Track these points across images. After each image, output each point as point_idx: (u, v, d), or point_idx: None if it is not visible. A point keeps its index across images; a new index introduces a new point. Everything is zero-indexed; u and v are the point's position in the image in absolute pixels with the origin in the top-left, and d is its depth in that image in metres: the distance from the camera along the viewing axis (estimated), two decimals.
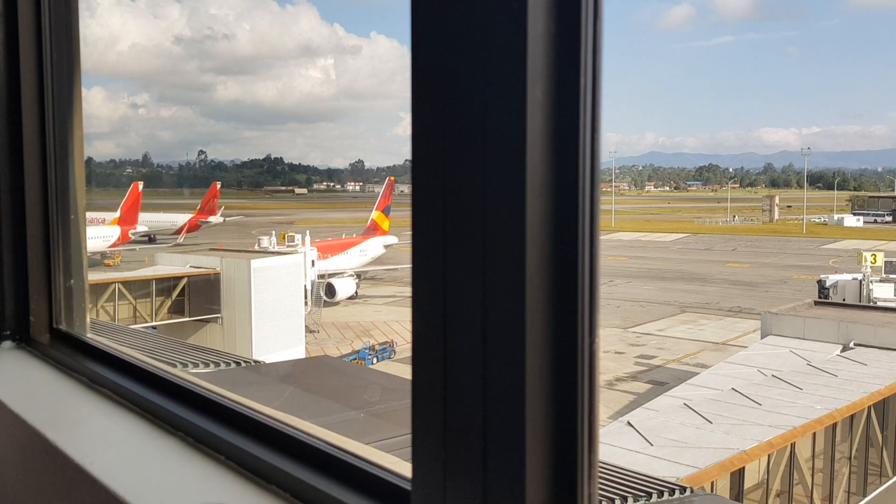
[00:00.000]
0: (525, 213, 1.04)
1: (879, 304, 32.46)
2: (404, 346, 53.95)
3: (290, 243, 50.08)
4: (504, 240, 1.05)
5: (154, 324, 40.65)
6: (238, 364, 11.89)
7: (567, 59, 1.04)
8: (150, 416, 2.31)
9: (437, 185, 1.14)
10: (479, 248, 1.08)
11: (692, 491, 7.45)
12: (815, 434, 16.52)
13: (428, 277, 1.17)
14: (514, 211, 1.04)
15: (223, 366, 11.99)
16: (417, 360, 1.21)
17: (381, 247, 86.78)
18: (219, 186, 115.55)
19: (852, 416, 18.13)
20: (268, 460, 1.80)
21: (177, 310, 41.45)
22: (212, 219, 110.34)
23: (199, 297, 41.34)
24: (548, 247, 1.05)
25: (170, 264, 44.07)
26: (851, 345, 23.68)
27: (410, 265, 1.19)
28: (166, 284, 41.27)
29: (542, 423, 1.07)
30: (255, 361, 11.40)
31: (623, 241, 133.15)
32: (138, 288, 40.78)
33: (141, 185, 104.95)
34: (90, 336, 2.90)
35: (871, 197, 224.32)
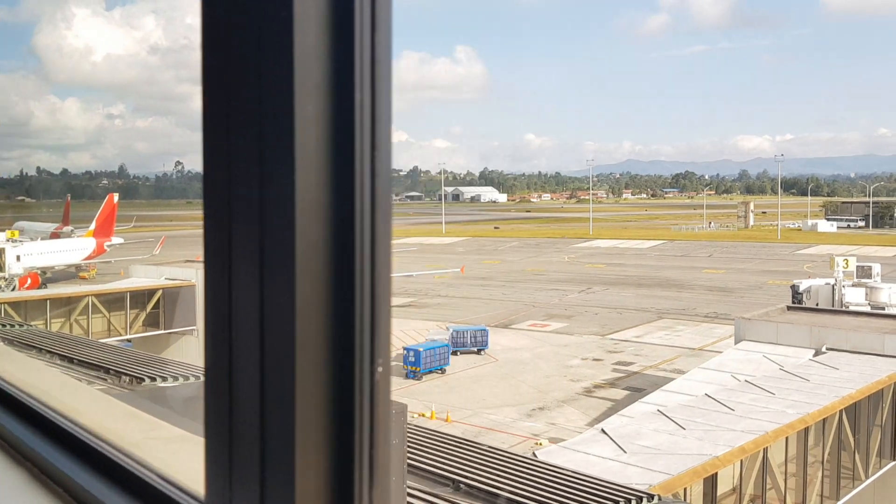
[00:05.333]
0: (295, 231, 1.00)
1: (851, 308, 32.90)
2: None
3: None
4: (279, 255, 1.03)
5: (129, 337, 40.20)
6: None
7: (342, 73, 1.01)
8: None
9: (223, 196, 1.11)
10: (258, 260, 1.06)
11: (659, 498, 7.48)
12: (787, 439, 16.65)
13: (214, 285, 1.14)
14: (286, 228, 1.02)
15: (192, 379, 11.86)
16: (207, 372, 1.18)
17: None
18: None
19: (824, 420, 18.29)
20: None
21: (152, 322, 41.06)
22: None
23: (174, 309, 40.97)
24: (322, 265, 1.02)
25: (145, 276, 43.64)
26: (824, 349, 23.93)
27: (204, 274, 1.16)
28: (141, 297, 40.86)
29: (316, 451, 1.04)
30: None
31: (601, 249, 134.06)
32: (112, 301, 40.33)
33: (116, 197, 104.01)
34: None
35: (844, 202, 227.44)
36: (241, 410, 1.09)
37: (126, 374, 12.21)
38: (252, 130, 1.04)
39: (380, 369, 1.06)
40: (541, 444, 33.43)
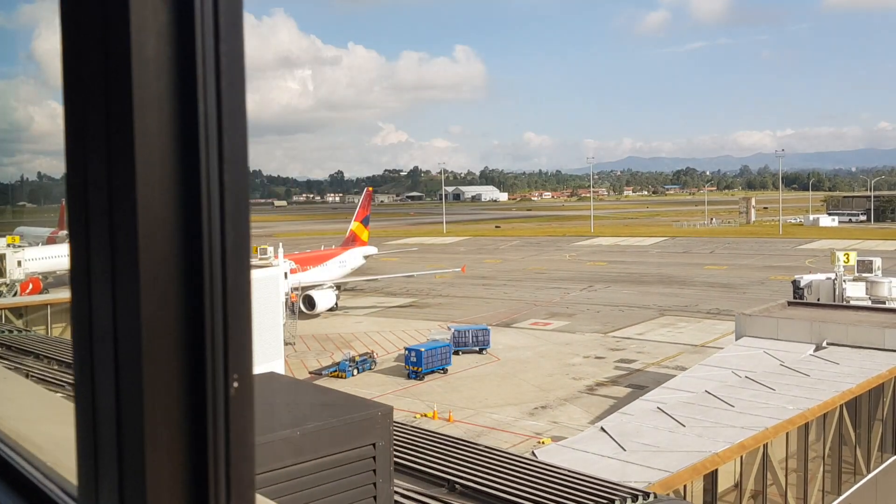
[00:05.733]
0: (138, 248, 0.99)
1: (852, 302, 32.83)
2: (385, 356, 53.85)
3: (262, 256, 49.70)
4: (127, 273, 1.01)
5: None
6: None
7: (185, 85, 0.99)
8: None
9: (81, 211, 1.08)
10: (110, 276, 1.04)
11: (655, 496, 7.47)
12: (787, 434, 16.63)
13: (77, 302, 1.13)
14: (131, 245, 0.99)
15: None
16: (76, 382, 1.16)
17: (360, 258, 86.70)
18: None
19: (825, 416, 18.27)
20: None
21: None
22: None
23: None
24: (170, 281, 1.00)
25: None
26: (824, 344, 23.89)
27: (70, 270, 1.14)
28: None
29: (171, 468, 1.02)
30: None
31: (602, 247, 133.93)
32: None
33: None
34: None
35: (845, 197, 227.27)
36: (102, 420, 1.08)
37: None
38: (101, 146, 1.03)
39: (235, 384, 1.03)
40: (543, 442, 33.43)
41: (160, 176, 0.99)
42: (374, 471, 4.50)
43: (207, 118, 1.00)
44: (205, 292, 1.01)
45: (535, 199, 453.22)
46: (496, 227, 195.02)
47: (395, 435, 8.52)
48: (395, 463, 7.41)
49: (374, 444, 4.46)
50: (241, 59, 1.07)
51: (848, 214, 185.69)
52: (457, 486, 7.29)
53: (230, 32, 1.03)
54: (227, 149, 1.02)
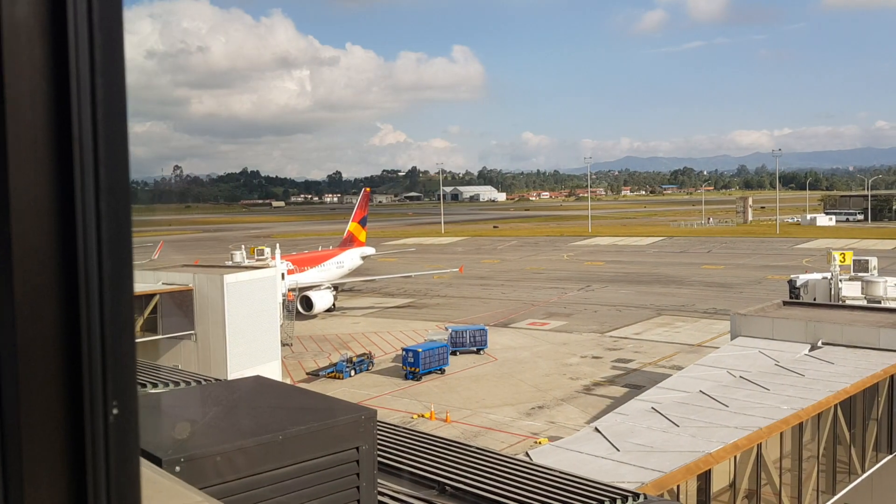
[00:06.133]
0: (13, 276, 0.95)
1: (848, 302, 32.91)
2: (382, 357, 53.87)
3: (260, 257, 49.68)
4: (1, 284, 0.97)
5: None
6: (199, 383, 11.78)
7: (59, 82, 0.97)
8: None
9: None
10: None
11: (646, 497, 7.50)
12: (782, 434, 16.65)
13: None
14: (3, 261, 0.96)
15: (183, 385, 11.89)
16: None
17: (358, 258, 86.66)
18: None
19: (819, 415, 18.30)
20: None
21: (149, 328, 40.97)
22: None
23: (171, 314, 40.92)
24: (46, 311, 0.97)
25: (142, 281, 43.57)
26: (819, 344, 23.93)
27: None
28: (138, 302, 40.78)
29: (49, 486, 0.98)
30: (217, 380, 11.32)
31: (600, 246, 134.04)
32: None
33: None
34: None
35: (842, 196, 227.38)
36: None
37: None
38: None
39: (115, 411, 1.00)
40: (539, 442, 33.47)
41: (34, 205, 0.96)
42: (358, 475, 4.52)
43: (82, 118, 0.98)
44: (81, 323, 0.98)
45: (534, 198, 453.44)
46: (494, 227, 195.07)
47: (386, 437, 8.55)
48: (386, 465, 7.43)
49: (357, 448, 4.48)
50: (119, 59, 1.04)
51: (845, 214, 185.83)
52: (447, 487, 7.31)
53: (105, 26, 1.01)
54: (103, 177, 1.00)
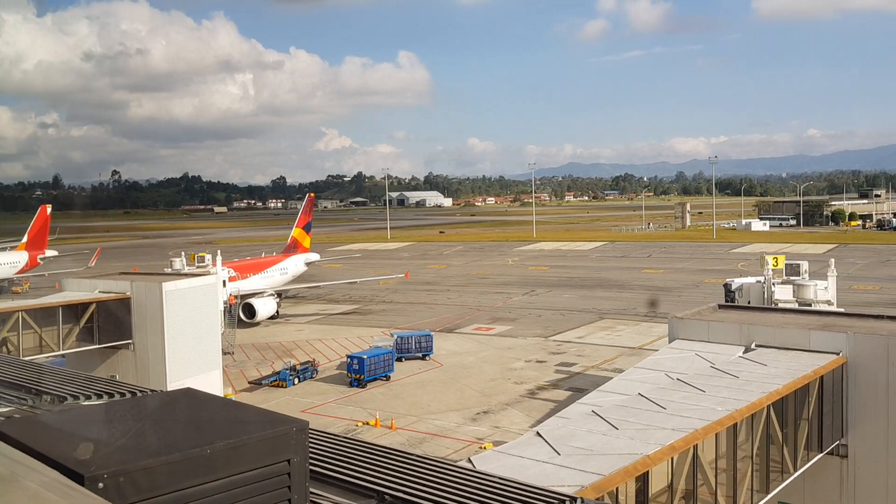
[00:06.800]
0: None
1: (780, 305, 33.95)
2: (327, 364, 53.40)
3: (201, 264, 48.70)
4: None
5: (62, 352, 38.92)
6: (133, 394, 11.51)
7: None
8: None
9: None
10: None
11: (583, 501, 7.61)
12: (717, 435, 17.06)
13: None
14: None
15: (117, 396, 11.61)
16: None
17: (302, 264, 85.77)
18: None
19: (753, 416, 18.80)
20: None
21: (85, 337, 39.77)
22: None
23: (108, 323, 39.79)
24: None
25: (78, 290, 42.31)
26: (753, 346, 24.62)
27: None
28: (74, 311, 39.58)
29: None
30: (152, 391, 11.05)
31: (544, 251, 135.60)
32: (44, 316, 38.96)
33: (49, 209, 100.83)
34: None
35: (776, 202, 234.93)
36: None
37: (48, 393, 11.87)
38: None
39: None
40: (484, 447, 33.60)
41: None
42: (290, 487, 4.48)
43: None
44: None
45: (479, 204, 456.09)
46: (440, 232, 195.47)
47: (324, 447, 8.48)
48: (323, 476, 7.38)
49: (288, 461, 4.44)
50: None
51: (779, 219, 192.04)
52: (386, 497, 7.30)
53: None
54: None
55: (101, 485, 3.70)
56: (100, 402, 11.78)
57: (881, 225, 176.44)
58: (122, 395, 11.52)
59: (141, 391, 11.72)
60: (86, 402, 11.64)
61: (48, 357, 37.75)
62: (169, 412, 4.54)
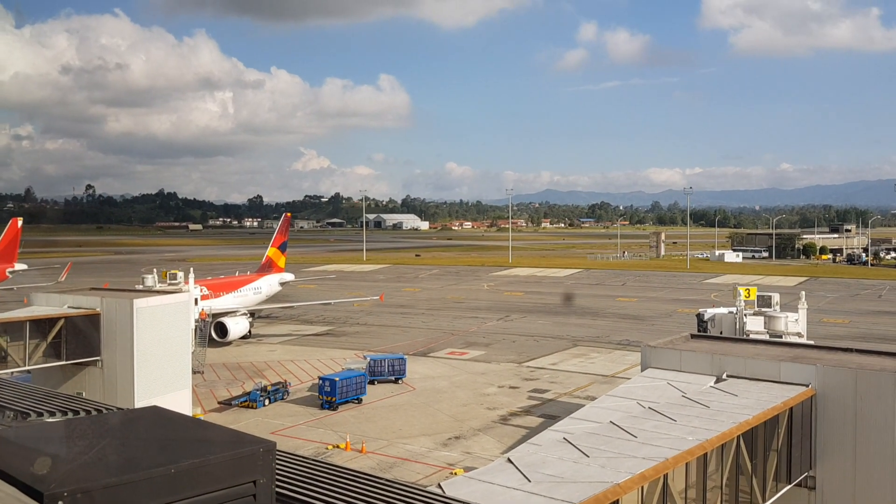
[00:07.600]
0: None
1: (751, 336, 34.35)
2: (299, 385, 52.84)
3: (173, 281, 48.15)
4: None
5: (28, 368, 38.18)
6: (99, 412, 11.31)
7: None
8: None
9: None
10: None
11: None
12: (687, 465, 17.10)
13: None
14: None
15: (82, 413, 11.41)
16: None
17: (276, 284, 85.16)
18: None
19: (723, 446, 18.89)
20: None
21: (52, 353, 39.03)
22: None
23: (76, 339, 39.11)
24: None
25: (47, 304, 41.61)
26: (724, 376, 24.79)
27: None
28: (42, 326, 38.87)
29: None
30: (118, 408, 10.87)
31: (519, 277, 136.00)
32: (11, 330, 38.22)
33: (20, 222, 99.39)
34: None
35: (749, 234, 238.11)
36: None
37: (9, 409, 11.62)
38: None
39: None
40: (455, 473, 33.37)
41: None
42: None
43: None
44: None
45: (456, 228, 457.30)
46: (416, 255, 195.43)
47: (292, 469, 8.38)
48: (289, 499, 7.27)
49: (254, 482, 4.37)
50: None
51: (751, 251, 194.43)
52: None
53: None
54: None
55: (60, 503, 3.61)
56: (59, 419, 11.57)
57: (851, 259, 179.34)
58: (87, 412, 11.33)
59: (106, 408, 11.52)
60: (49, 419, 11.42)
61: (13, 372, 37.01)
62: (133, 430, 4.46)
